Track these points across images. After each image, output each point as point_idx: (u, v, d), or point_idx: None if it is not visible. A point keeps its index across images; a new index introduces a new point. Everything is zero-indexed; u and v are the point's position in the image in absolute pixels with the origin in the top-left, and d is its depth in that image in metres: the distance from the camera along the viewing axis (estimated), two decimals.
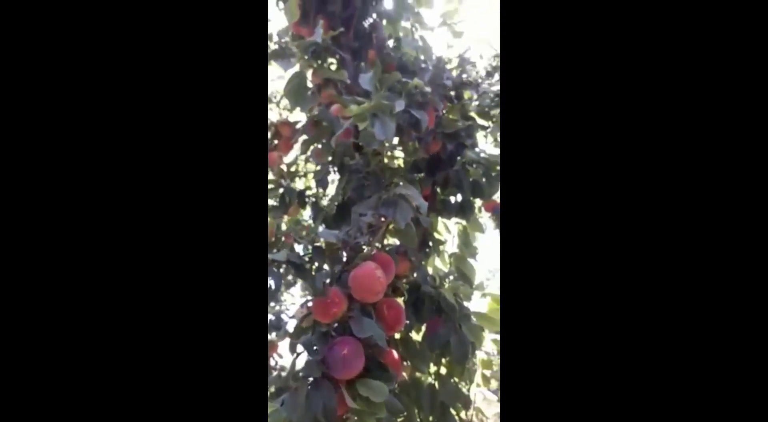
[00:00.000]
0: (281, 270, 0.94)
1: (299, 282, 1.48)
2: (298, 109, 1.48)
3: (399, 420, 1.12)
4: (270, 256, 0.89)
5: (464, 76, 1.73)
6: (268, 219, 1.44)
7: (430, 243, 1.52)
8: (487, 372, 1.51)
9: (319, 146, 1.48)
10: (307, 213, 1.65)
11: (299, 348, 0.96)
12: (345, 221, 1.21)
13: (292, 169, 1.61)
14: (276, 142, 1.55)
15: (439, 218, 1.62)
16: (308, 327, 0.97)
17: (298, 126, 1.56)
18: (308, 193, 1.55)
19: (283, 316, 1.25)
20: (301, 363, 0.97)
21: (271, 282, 0.94)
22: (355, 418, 0.91)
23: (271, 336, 1.35)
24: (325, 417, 0.81)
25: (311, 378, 0.86)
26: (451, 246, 1.69)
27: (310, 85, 1.46)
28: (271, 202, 1.45)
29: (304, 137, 1.55)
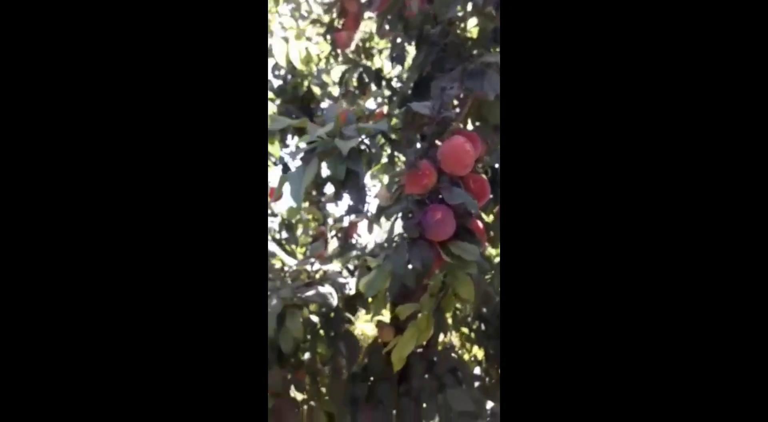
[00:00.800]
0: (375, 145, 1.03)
1: (368, 174, 1.61)
2: None
3: (487, 277, 1.29)
4: (370, 126, 0.97)
5: None
6: (344, 104, 1.51)
7: None
8: None
9: (389, 18, 1.45)
10: (369, 103, 1.69)
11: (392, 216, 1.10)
12: (425, 99, 1.25)
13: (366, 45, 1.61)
14: (342, 20, 1.53)
15: None
16: (394, 201, 1.10)
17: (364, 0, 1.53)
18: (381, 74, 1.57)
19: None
20: (382, 236, 1.12)
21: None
22: (445, 275, 1.07)
23: (351, 217, 1.53)
24: (423, 268, 0.97)
25: (409, 238, 1.01)
26: None
27: None
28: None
29: (368, 14, 1.52)
